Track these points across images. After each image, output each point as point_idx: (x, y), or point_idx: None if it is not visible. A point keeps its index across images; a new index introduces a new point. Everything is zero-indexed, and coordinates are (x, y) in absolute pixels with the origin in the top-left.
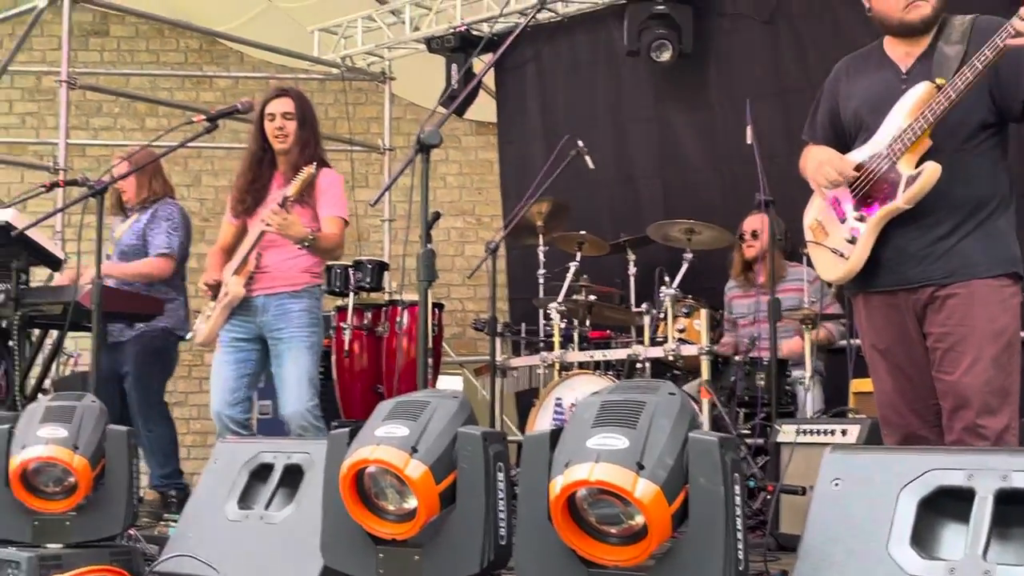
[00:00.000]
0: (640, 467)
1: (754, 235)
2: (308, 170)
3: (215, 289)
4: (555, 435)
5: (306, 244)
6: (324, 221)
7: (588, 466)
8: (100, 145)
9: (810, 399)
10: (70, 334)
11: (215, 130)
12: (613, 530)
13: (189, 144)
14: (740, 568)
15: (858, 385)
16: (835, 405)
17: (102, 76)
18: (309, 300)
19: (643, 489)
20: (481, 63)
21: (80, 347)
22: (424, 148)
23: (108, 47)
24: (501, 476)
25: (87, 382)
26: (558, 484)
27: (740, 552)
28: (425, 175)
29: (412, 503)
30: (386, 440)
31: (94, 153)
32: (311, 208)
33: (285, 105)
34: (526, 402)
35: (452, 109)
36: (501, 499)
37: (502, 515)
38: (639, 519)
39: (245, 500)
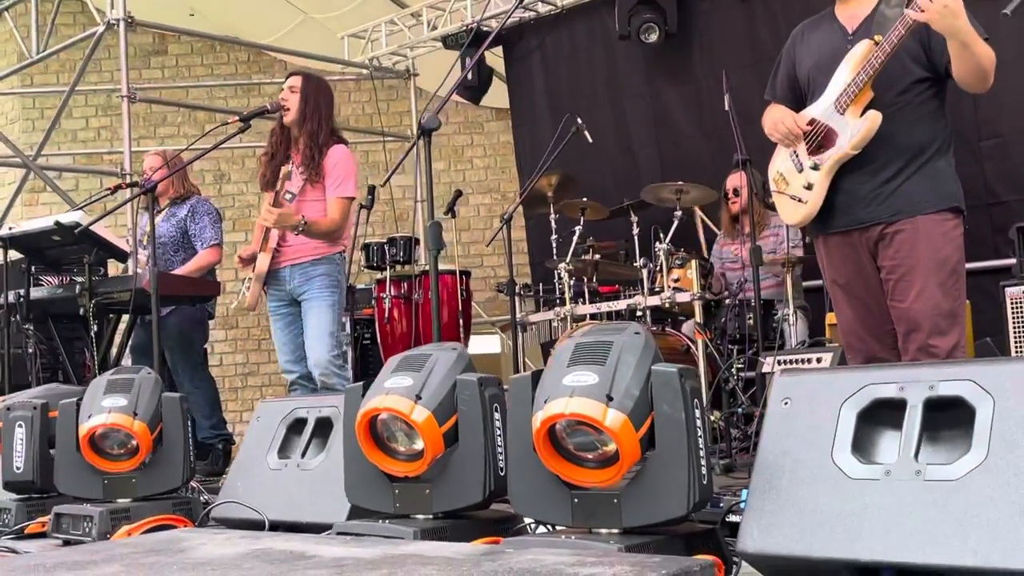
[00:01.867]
0: (609, 399)
1: (735, 192)
2: (284, 168)
3: (251, 260)
4: (536, 376)
5: (300, 231)
6: (328, 203)
7: (564, 400)
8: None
9: (794, 333)
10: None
11: (249, 129)
12: (589, 456)
13: (238, 144)
14: (703, 483)
15: (832, 318)
16: (816, 337)
17: (164, 90)
18: (328, 265)
19: (612, 418)
20: (493, 55)
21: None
22: (425, 132)
23: (168, 64)
24: (498, 416)
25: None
26: (539, 418)
27: (703, 468)
28: (427, 156)
29: (419, 444)
30: (394, 390)
31: None
32: (321, 186)
33: (293, 81)
34: (549, 352)
35: (449, 94)
36: (499, 436)
37: (500, 450)
38: (611, 445)
39: (284, 451)
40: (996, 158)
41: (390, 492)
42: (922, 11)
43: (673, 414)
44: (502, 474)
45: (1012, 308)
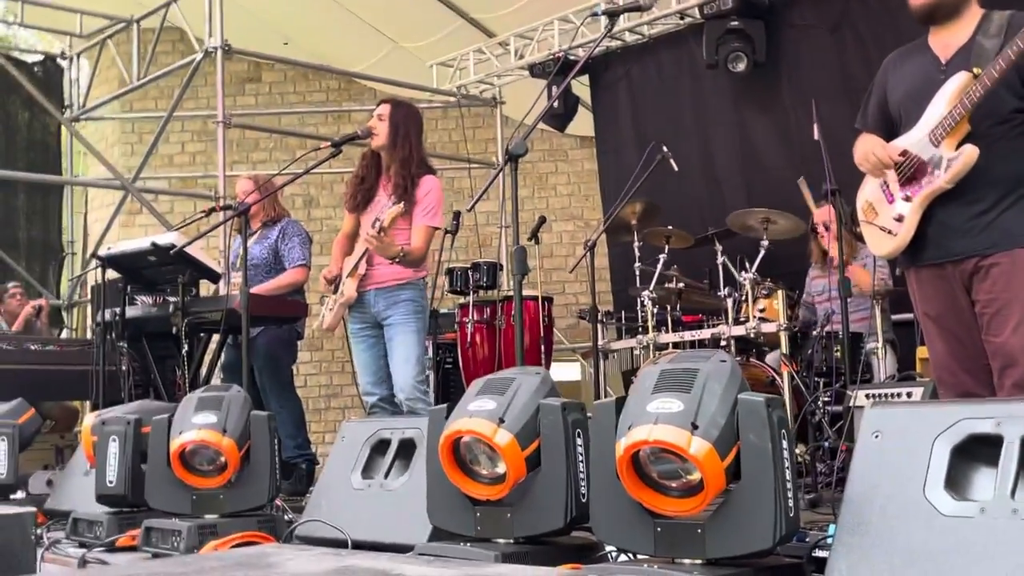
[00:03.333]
0: (694, 427)
1: (825, 227)
2: (398, 208)
3: (334, 282)
4: (620, 402)
5: (398, 260)
6: (414, 231)
7: (648, 428)
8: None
9: (883, 366)
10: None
11: (340, 154)
12: (673, 484)
13: (328, 170)
14: (790, 515)
15: (923, 351)
16: (906, 371)
17: (257, 117)
18: (413, 291)
19: (697, 447)
20: (579, 84)
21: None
22: (512, 158)
23: (261, 91)
24: (580, 441)
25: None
26: (622, 445)
27: (790, 500)
28: (515, 181)
29: (502, 467)
30: (477, 413)
31: None
32: (409, 216)
33: (382, 109)
34: (630, 380)
35: (537, 121)
36: (581, 461)
37: (583, 476)
38: (695, 474)
39: (367, 471)
40: None
41: (472, 515)
42: None
43: (760, 444)
44: (584, 500)
45: None
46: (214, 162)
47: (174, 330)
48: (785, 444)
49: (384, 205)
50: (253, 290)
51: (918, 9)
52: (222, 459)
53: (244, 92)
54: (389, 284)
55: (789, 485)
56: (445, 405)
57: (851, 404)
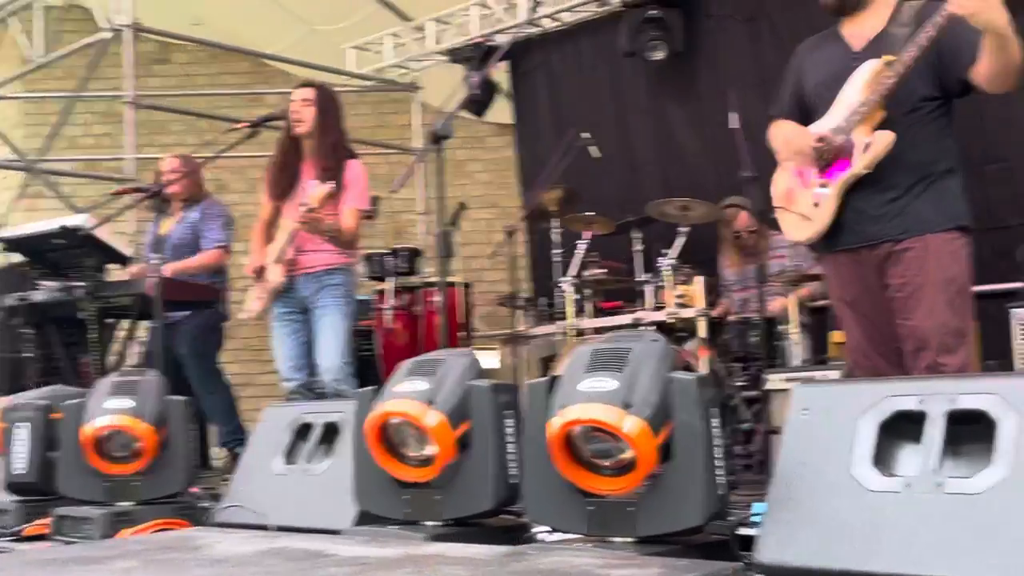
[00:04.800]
0: (627, 405)
1: (749, 232)
2: (329, 187)
3: (260, 273)
4: (553, 381)
5: (330, 238)
6: (344, 213)
7: (581, 406)
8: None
9: (797, 351)
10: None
11: (257, 137)
12: (606, 463)
13: (240, 153)
14: (719, 493)
15: (836, 336)
16: (818, 355)
17: (165, 98)
18: (343, 276)
19: (630, 425)
20: (497, 70)
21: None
22: (438, 139)
23: (171, 73)
24: (510, 423)
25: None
26: (555, 424)
27: (719, 478)
28: (440, 162)
29: (431, 449)
30: (406, 394)
31: None
32: (337, 198)
33: (304, 93)
34: (548, 367)
35: (460, 106)
36: (510, 443)
37: (512, 457)
38: (628, 452)
39: (290, 456)
40: (1001, 183)
41: (399, 498)
42: (962, 6)
43: (691, 422)
44: (513, 482)
45: (1019, 331)
46: (120, 144)
47: (82, 315)
48: (715, 423)
49: (308, 192)
50: (167, 272)
51: (827, 4)
52: (138, 445)
53: (152, 73)
54: (319, 269)
55: (718, 463)
56: (372, 388)
57: (766, 388)
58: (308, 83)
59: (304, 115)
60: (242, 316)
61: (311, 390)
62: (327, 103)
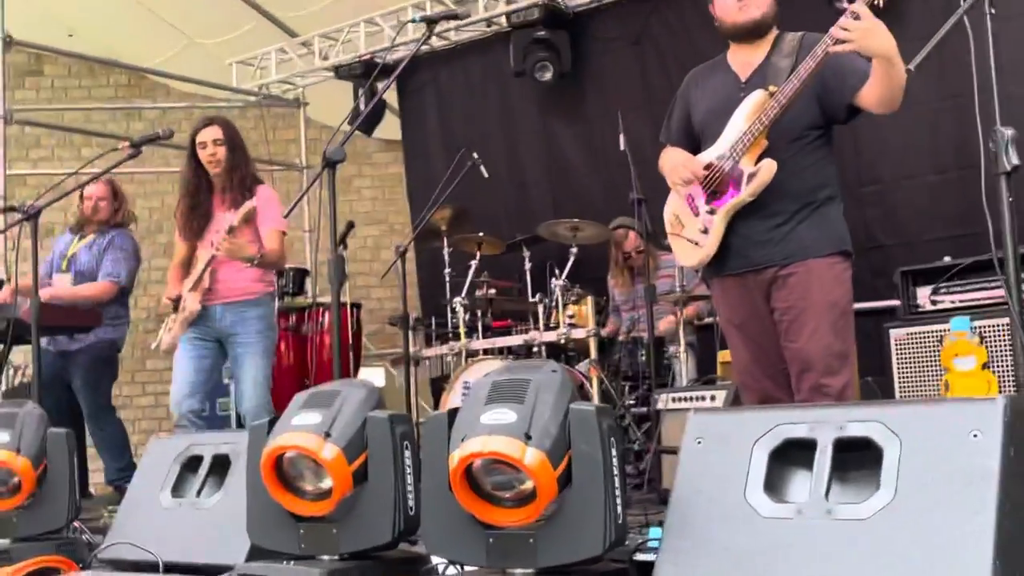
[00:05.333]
0: (528, 437)
1: (637, 252)
2: (250, 204)
3: (176, 302)
4: (453, 414)
5: (255, 263)
6: (265, 235)
7: (482, 439)
8: (39, 175)
9: (684, 370)
10: (20, 348)
11: (139, 155)
12: (507, 495)
13: (116, 170)
14: (619, 522)
15: (724, 355)
16: (707, 374)
17: (38, 112)
18: (263, 308)
19: (531, 457)
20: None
21: (28, 359)
22: (330, 163)
23: (43, 85)
24: (408, 454)
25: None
26: (456, 457)
27: (619, 507)
28: (332, 187)
29: (328, 483)
30: (302, 427)
31: (34, 183)
32: (253, 224)
33: (214, 132)
34: (439, 387)
35: (355, 127)
36: (409, 474)
37: (410, 489)
38: (529, 484)
39: (178, 489)
40: (876, 204)
41: (295, 532)
42: (844, 39)
43: (590, 453)
44: (412, 513)
45: (896, 349)
46: None
47: None
48: (614, 452)
49: (222, 222)
50: (45, 298)
51: (746, 23)
52: (15, 479)
53: (24, 86)
54: (238, 299)
55: (618, 492)
56: (267, 420)
57: (656, 407)
58: (212, 120)
59: (219, 154)
60: (154, 347)
61: (201, 419)
62: (235, 138)
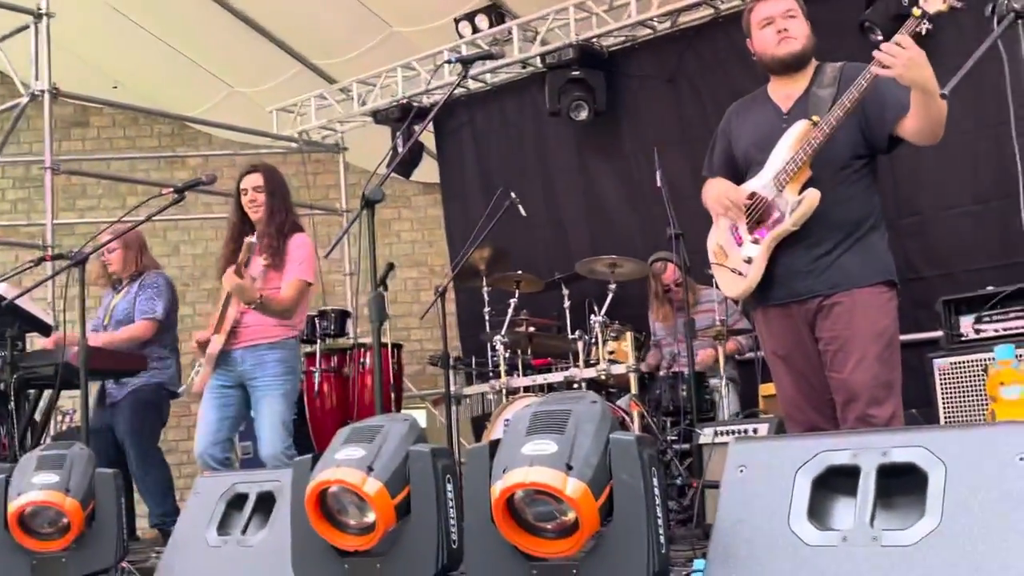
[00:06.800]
0: (569, 468)
1: (676, 285)
2: (248, 240)
3: (205, 344)
4: (494, 445)
5: (254, 306)
6: (284, 283)
7: (523, 470)
8: (86, 223)
9: (726, 404)
10: (69, 393)
11: (183, 201)
12: (549, 526)
13: (160, 217)
14: (662, 552)
15: (766, 389)
16: (748, 408)
17: (85, 162)
18: (283, 351)
19: (572, 487)
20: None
21: (77, 406)
22: (369, 203)
23: (89, 136)
24: (450, 487)
25: (80, 435)
26: (498, 488)
27: (661, 537)
28: (371, 227)
29: (371, 517)
30: (345, 462)
31: (82, 231)
32: (281, 271)
33: (255, 180)
34: (481, 426)
35: (392, 168)
36: (451, 507)
37: (453, 522)
38: (571, 514)
39: (223, 527)
40: (916, 235)
41: (340, 567)
42: (886, 67)
43: (632, 483)
44: (455, 547)
45: (941, 379)
46: (38, 209)
47: (1, 386)
48: (656, 482)
49: (256, 267)
50: (91, 343)
51: (786, 57)
52: (64, 520)
53: (71, 137)
54: (258, 343)
55: (660, 522)
56: (310, 456)
57: (699, 442)
58: (255, 168)
59: (259, 200)
60: (182, 390)
61: (226, 467)
62: (275, 185)
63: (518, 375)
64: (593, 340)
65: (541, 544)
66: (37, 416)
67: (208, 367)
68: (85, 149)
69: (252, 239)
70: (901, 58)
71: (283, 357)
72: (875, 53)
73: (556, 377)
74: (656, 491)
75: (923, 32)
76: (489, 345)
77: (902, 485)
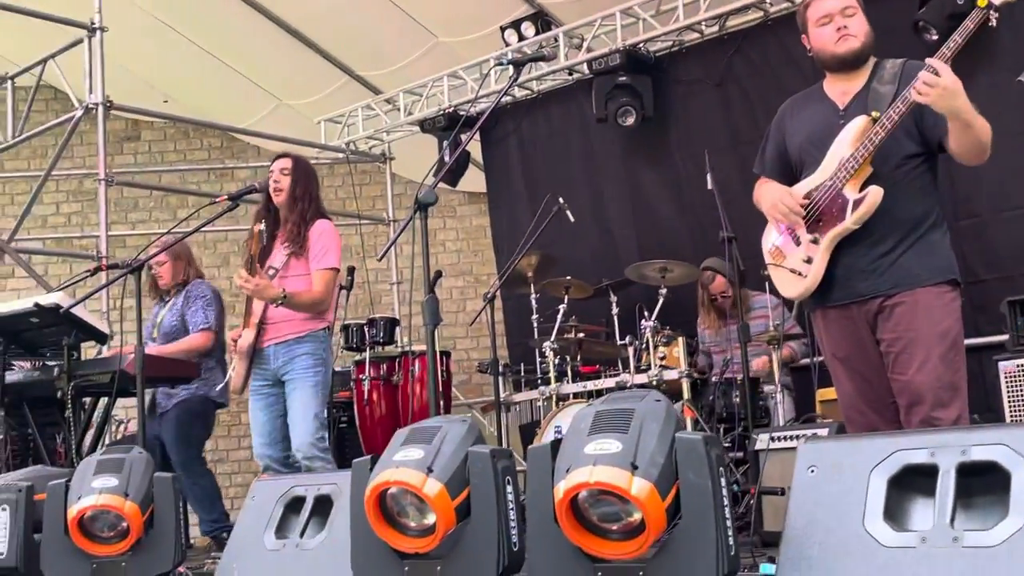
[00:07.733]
0: (634, 467)
1: (723, 296)
2: (258, 228)
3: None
4: (556, 445)
5: (279, 303)
6: (313, 275)
7: (587, 469)
8: (138, 235)
9: (781, 410)
10: (122, 404)
11: (236, 208)
12: (614, 527)
13: (211, 228)
14: (731, 554)
15: (823, 394)
16: (804, 414)
17: (136, 175)
18: (312, 343)
19: (638, 487)
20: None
21: (131, 415)
22: (422, 207)
23: (140, 150)
24: (510, 488)
25: (136, 442)
26: (561, 488)
27: (730, 539)
28: (424, 231)
29: (431, 518)
30: (404, 463)
31: (133, 243)
32: (305, 259)
33: (284, 163)
34: (530, 433)
35: (442, 174)
36: (511, 509)
37: (513, 523)
38: (637, 515)
39: (281, 531)
40: (974, 238)
41: (399, 569)
42: (922, 95)
43: (699, 482)
44: (516, 549)
45: (1006, 381)
46: (91, 222)
47: (58, 394)
48: (723, 482)
49: (279, 255)
50: (148, 352)
51: (846, 55)
52: (124, 524)
53: (122, 151)
54: (287, 338)
55: (728, 523)
56: (369, 457)
57: (755, 448)
58: (285, 154)
59: (283, 183)
60: (219, 388)
61: (287, 466)
62: (301, 172)
63: (567, 381)
64: (644, 345)
65: (606, 545)
66: (92, 424)
67: (241, 362)
68: (137, 163)
69: (261, 226)
70: (936, 88)
71: (312, 349)
72: (915, 83)
73: (607, 383)
74: (724, 492)
75: (992, 23)
76: (538, 352)
77: (983, 484)
